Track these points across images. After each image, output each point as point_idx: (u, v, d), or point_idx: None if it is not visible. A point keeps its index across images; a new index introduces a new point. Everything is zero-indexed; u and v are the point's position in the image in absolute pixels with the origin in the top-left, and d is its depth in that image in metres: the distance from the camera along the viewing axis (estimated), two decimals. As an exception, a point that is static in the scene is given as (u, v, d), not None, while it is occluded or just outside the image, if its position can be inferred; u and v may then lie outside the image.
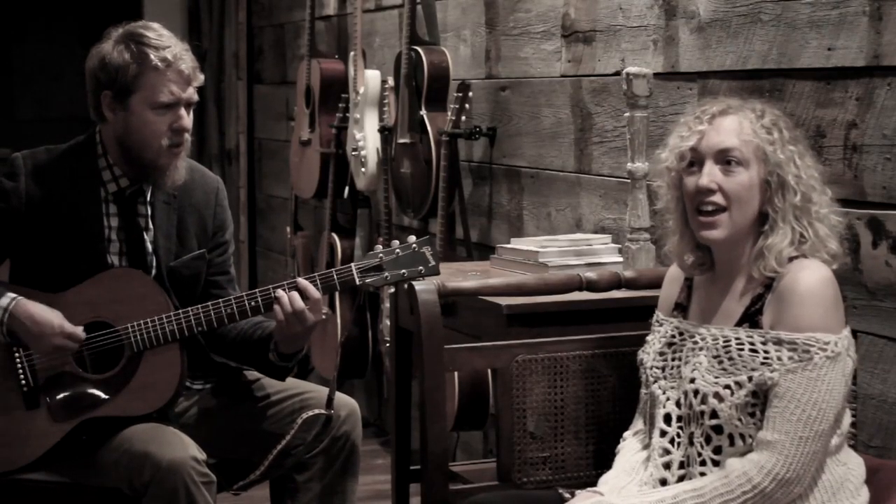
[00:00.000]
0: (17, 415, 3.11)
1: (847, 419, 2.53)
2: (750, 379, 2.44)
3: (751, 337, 2.47)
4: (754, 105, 2.57)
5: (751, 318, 2.51)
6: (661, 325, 2.69)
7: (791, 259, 2.49)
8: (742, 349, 2.47)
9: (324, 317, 5.59)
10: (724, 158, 2.51)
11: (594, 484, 2.72)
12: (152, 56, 3.11)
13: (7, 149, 6.39)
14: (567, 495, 2.67)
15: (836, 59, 2.98)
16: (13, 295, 3.08)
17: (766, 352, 2.44)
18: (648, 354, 2.67)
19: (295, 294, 3.03)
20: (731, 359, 2.48)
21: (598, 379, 2.94)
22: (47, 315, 3.06)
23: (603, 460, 2.89)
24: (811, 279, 2.45)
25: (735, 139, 2.51)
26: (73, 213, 3.15)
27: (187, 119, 3.15)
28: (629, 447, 2.69)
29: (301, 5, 6.25)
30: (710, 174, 2.51)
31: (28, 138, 4.42)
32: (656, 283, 3.13)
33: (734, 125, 2.53)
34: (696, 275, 2.65)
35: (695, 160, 2.54)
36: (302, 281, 3.04)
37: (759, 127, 2.52)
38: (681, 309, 2.67)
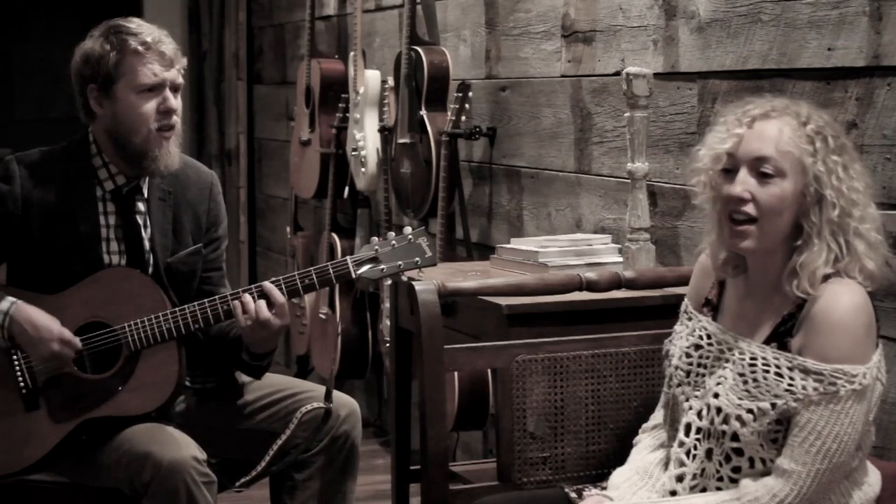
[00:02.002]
0: (16, 417, 3.11)
1: (870, 438, 2.46)
2: (773, 406, 2.37)
3: (777, 359, 2.39)
4: (799, 109, 2.44)
5: (780, 338, 2.42)
6: (689, 318, 2.60)
7: (826, 277, 2.39)
8: (768, 371, 2.39)
9: (322, 317, 5.62)
10: (760, 168, 2.39)
11: (595, 482, 2.72)
12: (131, 41, 3.13)
13: (7, 149, 6.39)
14: (573, 494, 2.66)
15: (836, 59, 2.98)
16: (13, 299, 3.08)
17: (791, 378, 2.36)
18: (676, 347, 2.59)
19: (261, 303, 3.03)
20: (755, 380, 2.40)
21: (598, 379, 2.94)
22: (47, 321, 3.07)
23: (603, 460, 2.89)
24: (844, 307, 2.35)
25: (773, 148, 2.38)
26: (70, 214, 3.15)
27: (174, 101, 3.16)
28: (645, 444, 2.65)
29: (301, 5, 6.25)
30: (744, 183, 2.40)
31: (28, 138, 4.42)
32: (656, 284, 3.14)
33: (774, 132, 2.40)
34: (729, 276, 2.56)
35: (731, 165, 2.44)
36: (267, 285, 3.05)
37: (800, 136, 2.39)
38: (711, 307, 2.58)
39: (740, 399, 2.41)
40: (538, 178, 4.28)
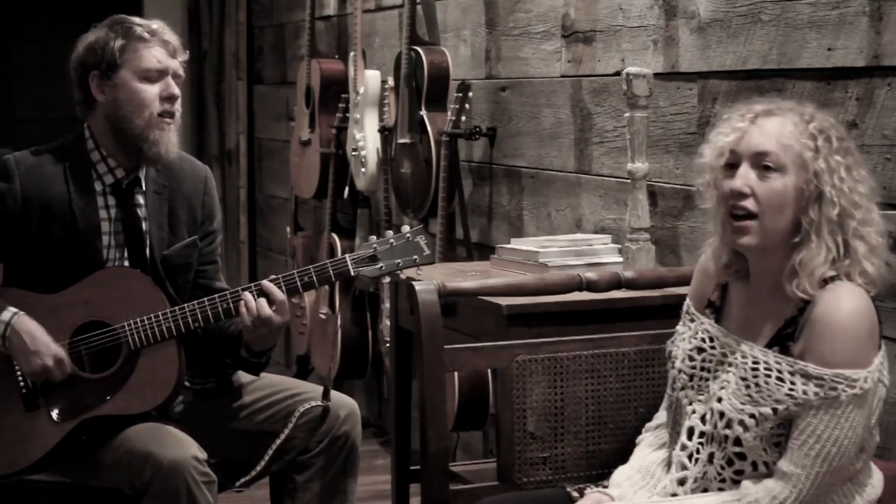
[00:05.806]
0: (17, 417, 3.11)
1: (873, 440, 2.45)
2: (775, 411, 2.36)
3: (779, 364, 2.38)
4: (804, 109, 2.44)
5: (782, 342, 2.42)
6: (692, 320, 2.59)
7: (827, 281, 2.38)
8: (769, 376, 2.38)
9: (322, 317, 5.62)
10: (761, 162, 2.39)
11: (596, 482, 2.72)
12: (136, 28, 3.18)
13: (7, 149, 6.39)
14: (575, 493, 2.65)
15: (836, 59, 2.98)
16: (14, 309, 3.09)
17: (792, 383, 2.35)
18: (679, 349, 2.58)
19: (262, 300, 3.04)
20: (757, 385, 2.40)
21: (598, 379, 2.94)
22: (45, 337, 3.07)
23: (603, 460, 2.89)
24: (845, 311, 2.34)
25: (773, 143, 2.38)
26: (70, 210, 3.15)
27: (176, 88, 3.18)
28: (648, 442, 2.66)
29: (301, 5, 6.25)
30: (745, 177, 2.39)
31: (28, 138, 4.42)
32: (656, 284, 3.13)
33: (776, 127, 2.40)
34: (728, 279, 2.55)
35: (732, 160, 2.43)
36: (266, 284, 3.06)
37: (802, 132, 2.39)
38: (714, 309, 2.58)
39: (743, 404, 2.41)
40: (538, 178, 4.29)
